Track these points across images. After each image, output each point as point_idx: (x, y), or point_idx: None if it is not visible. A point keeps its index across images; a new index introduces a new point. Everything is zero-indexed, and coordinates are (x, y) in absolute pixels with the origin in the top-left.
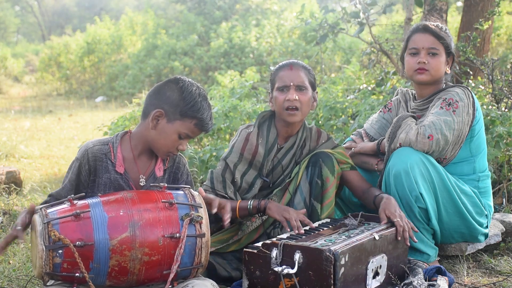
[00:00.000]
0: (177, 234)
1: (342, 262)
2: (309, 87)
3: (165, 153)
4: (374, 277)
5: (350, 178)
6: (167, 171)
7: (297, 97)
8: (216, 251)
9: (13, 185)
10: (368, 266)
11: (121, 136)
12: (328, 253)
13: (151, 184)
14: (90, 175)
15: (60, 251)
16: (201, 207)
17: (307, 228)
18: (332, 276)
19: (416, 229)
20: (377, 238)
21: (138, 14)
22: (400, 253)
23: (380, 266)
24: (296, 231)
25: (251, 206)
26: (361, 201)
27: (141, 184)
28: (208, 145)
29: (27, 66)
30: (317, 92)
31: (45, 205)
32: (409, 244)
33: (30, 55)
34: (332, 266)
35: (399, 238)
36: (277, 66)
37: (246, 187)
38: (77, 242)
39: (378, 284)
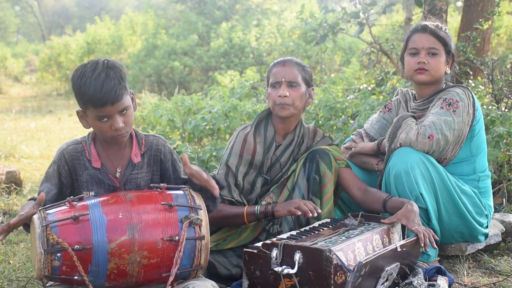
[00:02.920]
0: (176, 237)
1: (362, 272)
2: (302, 83)
3: (109, 138)
4: (383, 284)
5: (345, 176)
6: (146, 156)
7: (287, 94)
8: (216, 249)
9: (13, 185)
10: (382, 274)
11: (93, 133)
12: (328, 253)
13: (151, 185)
14: (72, 174)
15: (58, 254)
16: (201, 209)
17: (306, 228)
18: (332, 276)
19: (437, 237)
20: (399, 249)
21: (138, 14)
22: (412, 260)
23: (392, 273)
24: (310, 214)
25: (258, 212)
26: (354, 199)
27: (118, 176)
28: (208, 145)
29: (27, 66)
30: (313, 89)
31: (45, 206)
32: (428, 249)
33: (30, 55)
34: (332, 268)
35: (422, 245)
36: (272, 63)
37: (249, 188)
38: (76, 246)
39: None
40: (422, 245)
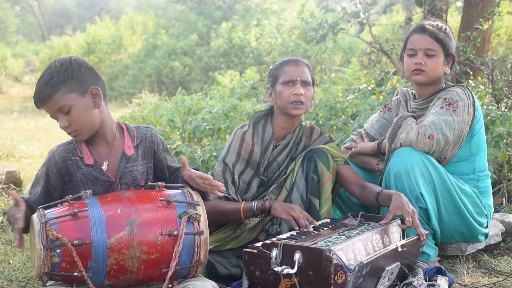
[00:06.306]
0: (175, 232)
1: (363, 272)
2: (311, 84)
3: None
4: (383, 283)
5: (344, 172)
6: (140, 147)
7: (303, 92)
8: (215, 249)
9: (13, 185)
10: (382, 274)
11: None
12: (328, 253)
13: (149, 184)
14: (64, 176)
15: (58, 251)
16: (199, 205)
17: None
18: (332, 276)
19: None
20: (400, 249)
21: (138, 14)
22: (412, 260)
23: (392, 273)
24: (305, 230)
25: (255, 208)
26: (354, 196)
27: (104, 168)
28: (208, 145)
29: (27, 66)
30: (315, 91)
31: (43, 205)
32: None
33: (30, 55)
34: (332, 268)
35: (421, 238)
36: (281, 61)
37: (244, 187)
38: (75, 241)
39: None
40: (410, 224)
